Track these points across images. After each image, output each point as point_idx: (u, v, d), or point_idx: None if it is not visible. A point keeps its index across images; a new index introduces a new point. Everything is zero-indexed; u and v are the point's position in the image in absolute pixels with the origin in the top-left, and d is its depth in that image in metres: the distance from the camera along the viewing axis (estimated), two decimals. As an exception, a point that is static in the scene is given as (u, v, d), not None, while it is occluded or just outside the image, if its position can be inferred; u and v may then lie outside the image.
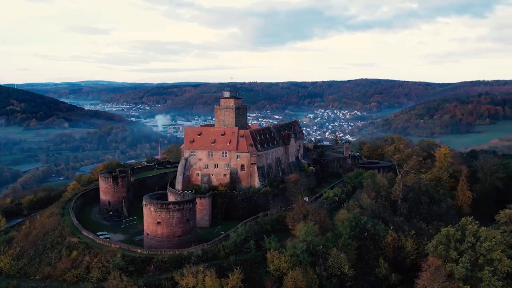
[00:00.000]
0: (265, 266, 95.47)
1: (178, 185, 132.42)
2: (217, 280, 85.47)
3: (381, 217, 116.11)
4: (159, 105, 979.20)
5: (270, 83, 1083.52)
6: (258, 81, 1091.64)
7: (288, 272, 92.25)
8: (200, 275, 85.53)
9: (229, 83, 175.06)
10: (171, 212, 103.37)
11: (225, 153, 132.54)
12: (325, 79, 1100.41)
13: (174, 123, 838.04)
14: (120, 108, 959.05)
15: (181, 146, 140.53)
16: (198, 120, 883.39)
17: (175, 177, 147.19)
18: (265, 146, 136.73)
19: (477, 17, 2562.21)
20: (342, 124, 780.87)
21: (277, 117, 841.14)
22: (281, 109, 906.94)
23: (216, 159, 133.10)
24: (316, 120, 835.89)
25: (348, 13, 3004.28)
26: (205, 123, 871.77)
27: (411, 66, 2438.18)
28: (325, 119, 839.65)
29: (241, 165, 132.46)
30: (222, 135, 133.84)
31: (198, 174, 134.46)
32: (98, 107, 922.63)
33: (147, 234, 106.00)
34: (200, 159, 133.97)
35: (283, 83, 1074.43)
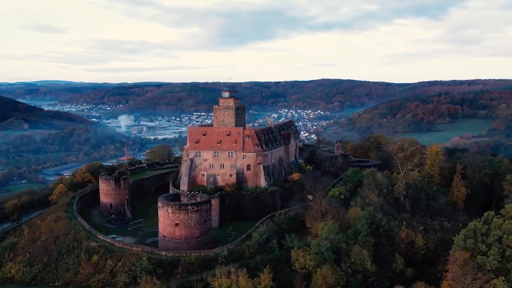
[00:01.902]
0: (290, 264, 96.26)
1: (184, 186, 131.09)
2: (250, 280, 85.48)
3: (390, 214, 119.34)
4: (121, 106, 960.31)
5: (233, 83, 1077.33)
6: (221, 81, 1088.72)
7: (314, 270, 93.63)
8: (233, 275, 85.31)
9: (227, 82, 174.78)
10: (189, 213, 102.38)
11: (231, 153, 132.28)
12: (288, 79, 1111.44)
13: (138, 123, 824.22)
14: (80, 109, 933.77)
15: (185, 147, 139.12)
16: (161, 120, 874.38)
17: (175, 178, 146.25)
18: (270, 146, 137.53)
19: (433, 19, 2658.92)
20: (306, 124, 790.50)
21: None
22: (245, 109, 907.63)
23: (222, 159, 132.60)
24: (280, 120, 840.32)
25: (309, 14, 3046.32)
26: (168, 123, 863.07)
27: (370, 67, 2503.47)
28: (289, 118, 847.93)
29: (247, 165, 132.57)
30: (227, 135, 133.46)
31: (203, 174, 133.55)
32: (57, 108, 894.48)
33: (164, 236, 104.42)
34: (205, 160, 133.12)
35: (246, 83, 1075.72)
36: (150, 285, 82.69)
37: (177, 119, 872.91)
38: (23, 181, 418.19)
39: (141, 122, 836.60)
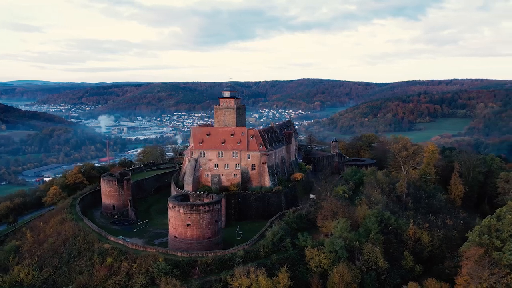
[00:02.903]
0: (305, 263, 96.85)
1: (188, 187, 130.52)
2: (269, 279, 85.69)
3: (394, 212, 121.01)
4: (100, 106, 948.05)
5: (214, 82, 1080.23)
6: (201, 81, 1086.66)
7: (329, 268, 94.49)
8: (252, 275, 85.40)
9: (227, 82, 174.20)
10: (201, 214, 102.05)
11: (236, 153, 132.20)
12: (268, 79, 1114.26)
13: (118, 124, 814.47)
14: (58, 109, 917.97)
15: (189, 147, 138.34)
16: (142, 120, 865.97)
17: (176, 178, 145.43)
18: (273, 145, 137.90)
19: (411, 19, 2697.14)
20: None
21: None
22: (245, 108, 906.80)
23: (226, 159, 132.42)
24: (261, 120, 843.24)
25: (289, 14, 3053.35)
26: (149, 123, 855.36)
27: (349, 66, 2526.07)
28: (271, 118, 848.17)
29: (252, 164, 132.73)
30: (231, 135, 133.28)
31: (208, 174, 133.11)
32: (34, 108, 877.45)
33: (175, 237, 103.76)
34: (210, 160, 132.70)
35: (226, 82, 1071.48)
36: (170, 287, 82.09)
37: (158, 119, 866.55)
38: (3, 183, 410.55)
39: (121, 123, 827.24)
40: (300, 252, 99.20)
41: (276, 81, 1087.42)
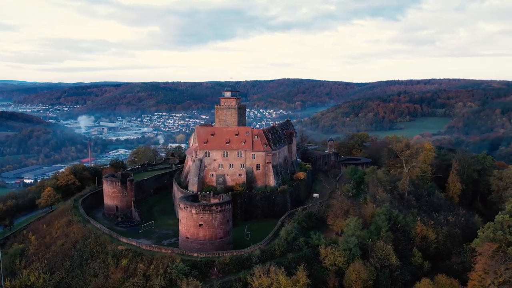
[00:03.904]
0: (319, 261, 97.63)
1: (193, 187, 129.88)
2: (288, 278, 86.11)
3: (399, 210, 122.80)
4: (79, 106, 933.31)
5: (194, 82, 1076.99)
6: (181, 81, 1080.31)
7: (344, 266, 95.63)
8: (272, 274, 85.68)
9: (228, 82, 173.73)
10: (214, 214, 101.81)
11: (241, 152, 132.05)
12: (249, 79, 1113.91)
13: (98, 124, 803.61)
14: (35, 110, 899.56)
15: (191, 147, 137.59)
16: (122, 121, 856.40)
17: (178, 178, 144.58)
18: (276, 145, 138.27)
19: (390, 20, 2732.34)
20: (269, 123, 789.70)
21: (204, 116, 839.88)
22: (207, 109, 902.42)
23: (231, 159, 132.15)
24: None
25: (269, 14, 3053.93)
26: (129, 123, 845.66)
27: (329, 66, 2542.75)
28: (252, 118, 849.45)
29: (257, 164, 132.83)
30: (236, 135, 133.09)
31: (212, 175, 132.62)
32: (11, 109, 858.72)
33: (187, 237, 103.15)
34: (214, 160, 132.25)
35: (207, 82, 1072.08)
36: (192, 287, 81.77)
37: (138, 119, 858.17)
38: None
39: (101, 123, 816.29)
40: (313, 251, 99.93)
41: (257, 81, 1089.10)
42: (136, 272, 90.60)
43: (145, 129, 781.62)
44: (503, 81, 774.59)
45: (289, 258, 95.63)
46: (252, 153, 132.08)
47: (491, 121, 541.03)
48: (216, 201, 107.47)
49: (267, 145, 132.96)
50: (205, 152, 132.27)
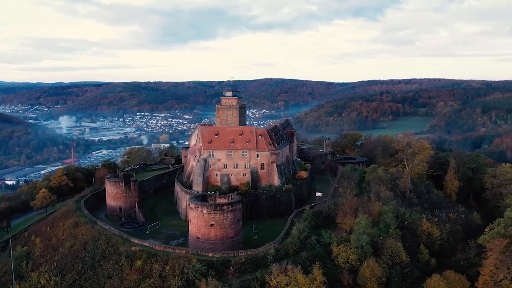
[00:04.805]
0: (332, 259, 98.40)
1: (198, 187, 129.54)
2: (306, 276, 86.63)
3: (403, 207, 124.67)
4: (59, 106, 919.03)
5: (176, 82, 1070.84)
6: (163, 81, 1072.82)
7: (356, 264, 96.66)
8: (290, 273, 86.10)
9: (228, 81, 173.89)
10: (225, 214, 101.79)
11: (245, 152, 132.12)
12: (231, 79, 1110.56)
13: (79, 124, 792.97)
14: (14, 110, 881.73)
15: (198, 147, 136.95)
16: (104, 121, 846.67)
17: (180, 178, 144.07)
18: (280, 144, 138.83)
19: (371, 20, 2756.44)
20: (253, 123, 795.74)
21: (187, 117, 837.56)
22: (190, 108, 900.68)
23: (235, 159, 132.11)
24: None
25: (251, 14, 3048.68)
26: (111, 124, 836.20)
27: (311, 66, 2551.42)
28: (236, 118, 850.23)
29: (261, 164, 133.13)
30: (240, 134, 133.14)
31: (217, 174, 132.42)
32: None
33: (197, 237, 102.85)
34: (219, 160, 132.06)
35: (189, 82, 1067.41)
36: (212, 287, 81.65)
37: (120, 119, 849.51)
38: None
39: (83, 123, 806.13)
40: (325, 249, 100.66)
41: (239, 80, 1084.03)
42: (151, 273, 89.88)
43: (128, 129, 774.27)
44: (482, 80, 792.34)
45: (303, 256, 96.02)
46: (257, 152, 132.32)
47: (472, 120, 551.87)
48: (222, 201, 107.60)
49: (271, 145, 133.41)
50: (210, 152, 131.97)
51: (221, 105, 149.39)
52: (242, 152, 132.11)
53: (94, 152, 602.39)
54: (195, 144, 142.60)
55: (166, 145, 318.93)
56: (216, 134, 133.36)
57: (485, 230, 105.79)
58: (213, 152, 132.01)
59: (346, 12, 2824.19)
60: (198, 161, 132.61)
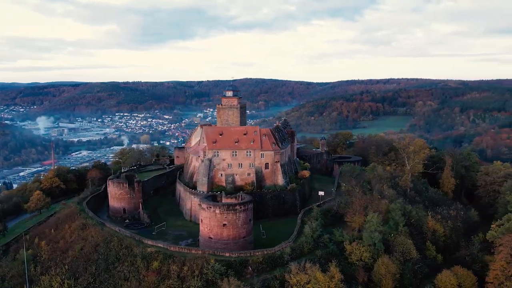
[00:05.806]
0: (345, 257, 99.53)
1: (203, 187, 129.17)
2: (324, 274, 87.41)
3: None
4: (35, 107, 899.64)
5: (155, 82, 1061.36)
6: (142, 81, 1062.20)
7: (369, 261, 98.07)
8: (309, 271, 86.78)
9: (229, 81, 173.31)
10: (237, 213, 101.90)
11: (250, 152, 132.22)
12: (210, 79, 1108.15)
13: (57, 125, 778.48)
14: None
15: (202, 147, 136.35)
16: (82, 122, 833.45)
17: (183, 179, 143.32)
18: (283, 144, 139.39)
19: (349, 20, 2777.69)
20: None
21: (166, 117, 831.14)
22: (170, 109, 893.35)
23: (240, 158, 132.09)
24: (207, 119, 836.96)
25: (230, 14, 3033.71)
26: (90, 124, 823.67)
27: (290, 66, 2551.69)
28: (216, 118, 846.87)
29: (265, 163, 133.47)
30: (244, 134, 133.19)
31: (222, 174, 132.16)
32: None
33: (210, 237, 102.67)
34: (223, 159, 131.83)
35: (168, 82, 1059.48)
36: (234, 287, 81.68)
37: (99, 120, 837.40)
38: None
39: (61, 124, 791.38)
40: (338, 247, 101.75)
41: (219, 80, 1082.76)
42: (169, 274, 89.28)
43: (107, 129, 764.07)
44: (459, 80, 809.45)
45: (318, 254, 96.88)
46: (261, 152, 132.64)
47: (451, 119, 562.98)
48: (228, 201, 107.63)
49: (275, 144, 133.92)
50: (214, 152, 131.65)
51: (221, 105, 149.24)
52: (247, 152, 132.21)
53: (73, 153, 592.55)
54: (198, 144, 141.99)
55: (147, 145, 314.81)
56: (221, 134, 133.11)
57: (492, 226, 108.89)
58: (217, 152, 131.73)
59: (324, 13, 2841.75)
60: (202, 161, 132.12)
